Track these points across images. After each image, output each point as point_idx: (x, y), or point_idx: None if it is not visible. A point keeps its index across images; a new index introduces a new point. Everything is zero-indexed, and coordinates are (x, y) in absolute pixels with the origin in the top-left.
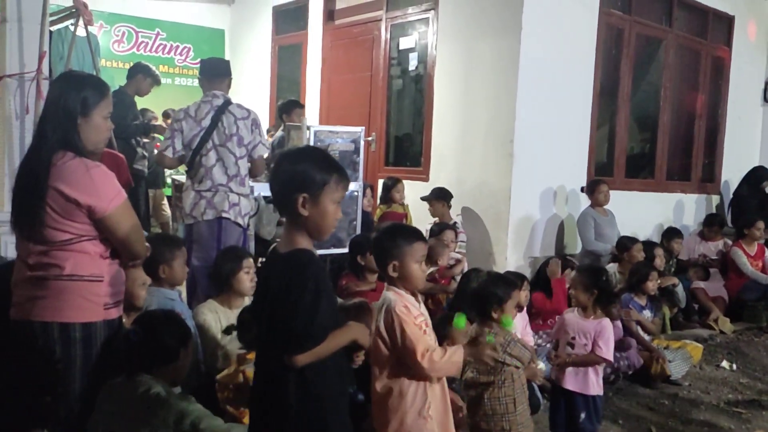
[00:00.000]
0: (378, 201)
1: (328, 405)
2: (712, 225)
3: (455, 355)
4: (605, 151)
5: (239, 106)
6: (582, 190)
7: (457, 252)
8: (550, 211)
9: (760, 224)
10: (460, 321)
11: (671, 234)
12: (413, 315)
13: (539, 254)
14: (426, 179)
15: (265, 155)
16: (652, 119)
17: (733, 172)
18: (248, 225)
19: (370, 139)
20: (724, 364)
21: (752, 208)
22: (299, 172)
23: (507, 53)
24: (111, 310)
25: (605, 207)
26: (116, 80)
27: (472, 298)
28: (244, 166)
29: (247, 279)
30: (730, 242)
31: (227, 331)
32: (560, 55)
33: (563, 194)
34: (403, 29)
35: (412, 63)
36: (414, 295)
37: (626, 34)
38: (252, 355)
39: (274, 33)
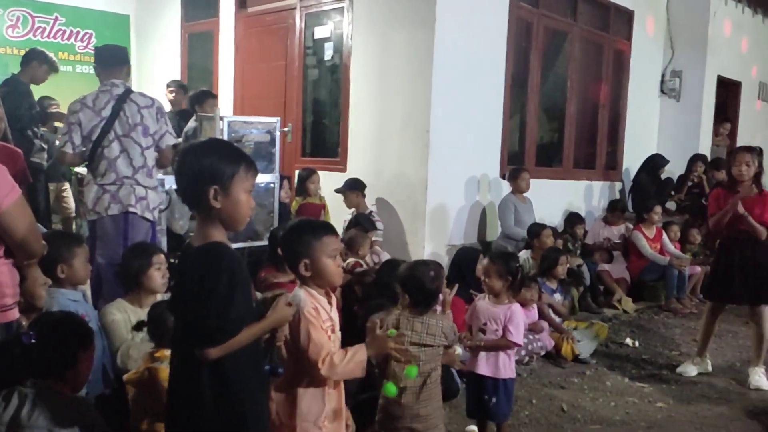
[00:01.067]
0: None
1: (245, 399)
2: (614, 210)
3: (357, 354)
4: (517, 141)
5: (142, 94)
6: (504, 177)
7: (374, 240)
8: (469, 200)
9: (658, 209)
10: (412, 371)
11: (574, 219)
12: (322, 318)
13: (462, 241)
14: (343, 170)
15: (173, 144)
16: (560, 110)
17: (633, 159)
18: (157, 219)
19: (286, 129)
20: (628, 341)
21: (650, 193)
22: (207, 165)
23: (422, 44)
24: (7, 312)
25: (524, 194)
26: (10, 68)
27: (418, 290)
28: (151, 157)
29: (158, 276)
30: (631, 226)
31: (137, 327)
32: (473, 47)
33: (485, 182)
34: (317, 18)
35: (328, 53)
36: (328, 294)
37: (535, 27)
38: (161, 353)
39: (184, 20)
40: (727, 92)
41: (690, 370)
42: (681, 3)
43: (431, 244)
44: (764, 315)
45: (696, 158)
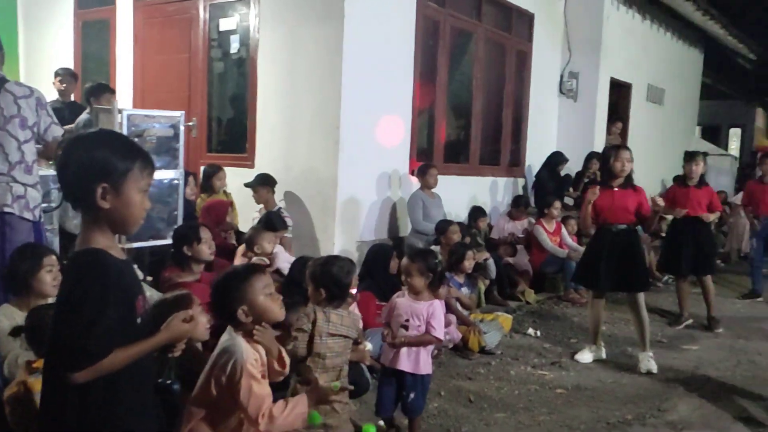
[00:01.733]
0: (200, 190)
1: (119, 426)
2: (518, 206)
3: (298, 407)
4: (426, 137)
5: (18, 83)
6: (412, 173)
7: (285, 236)
8: (380, 195)
9: (557, 204)
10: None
11: (476, 213)
12: (258, 366)
13: (373, 237)
14: (251, 166)
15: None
16: (466, 107)
17: (535, 157)
18: (45, 218)
19: (190, 124)
20: (530, 331)
21: (551, 189)
22: (97, 160)
23: (331, 40)
24: None
25: (433, 190)
26: None
27: (335, 285)
28: (31, 151)
29: (49, 278)
30: (533, 221)
31: (14, 332)
32: (382, 44)
33: (396, 178)
34: (222, 10)
35: (234, 45)
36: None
37: (442, 26)
38: (39, 363)
39: (77, 6)
40: (619, 93)
41: (586, 357)
42: (577, 7)
43: (341, 239)
44: (639, 302)
45: (591, 156)
